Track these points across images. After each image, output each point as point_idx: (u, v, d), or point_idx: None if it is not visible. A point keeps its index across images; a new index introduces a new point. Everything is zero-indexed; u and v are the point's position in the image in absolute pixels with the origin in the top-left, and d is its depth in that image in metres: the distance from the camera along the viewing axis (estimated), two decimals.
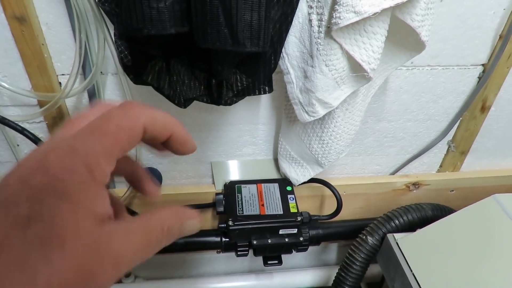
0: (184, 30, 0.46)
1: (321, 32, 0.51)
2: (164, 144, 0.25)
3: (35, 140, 0.60)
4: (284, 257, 0.79)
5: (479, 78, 0.76)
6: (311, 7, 0.52)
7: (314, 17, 0.52)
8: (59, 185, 0.19)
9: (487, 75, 0.74)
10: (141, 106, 0.23)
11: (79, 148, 0.20)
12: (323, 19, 0.50)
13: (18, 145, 0.73)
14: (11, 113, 0.68)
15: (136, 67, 0.57)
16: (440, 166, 0.92)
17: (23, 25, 0.58)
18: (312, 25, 0.52)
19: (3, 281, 0.17)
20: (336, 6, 0.46)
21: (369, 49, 0.50)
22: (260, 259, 0.79)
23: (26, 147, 0.74)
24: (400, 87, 0.75)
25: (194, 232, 0.25)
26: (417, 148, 0.88)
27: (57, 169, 0.19)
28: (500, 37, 0.71)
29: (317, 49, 0.52)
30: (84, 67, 0.62)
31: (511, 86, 0.78)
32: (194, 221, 0.25)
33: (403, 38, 0.57)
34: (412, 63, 0.72)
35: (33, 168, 0.20)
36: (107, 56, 0.62)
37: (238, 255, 0.77)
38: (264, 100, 0.74)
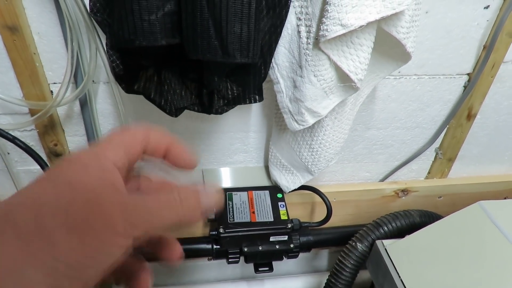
0: (175, 42, 0.46)
1: (309, 43, 0.53)
2: (165, 158, 0.28)
3: (27, 149, 0.60)
4: (275, 263, 0.80)
5: (465, 87, 0.78)
6: (299, 19, 0.53)
7: (302, 28, 0.53)
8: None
9: (472, 84, 0.76)
10: (141, 126, 0.28)
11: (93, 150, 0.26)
12: (311, 31, 0.52)
13: (8, 153, 0.73)
14: (1, 121, 0.68)
15: (128, 76, 0.57)
16: (428, 172, 0.94)
17: (15, 34, 0.58)
18: (301, 36, 0.53)
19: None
20: (323, 19, 0.47)
21: (356, 60, 0.51)
22: (251, 266, 0.80)
23: (16, 155, 0.74)
24: (388, 95, 0.77)
25: (216, 207, 0.27)
26: (405, 155, 0.89)
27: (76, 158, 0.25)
28: (484, 48, 0.73)
29: (305, 59, 0.54)
30: (76, 76, 0.63)
31: (495, 95, 0.81)
32: (213, 192, 0.27)
33: (390, 49, 0.59)
34: (399, 72, 0.74)
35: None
36: (99, 65, 0.62)
37: (229, 262, 0.77)
38: (255, 108, 0.75)
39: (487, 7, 0.68)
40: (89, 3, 0.53)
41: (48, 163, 0.71)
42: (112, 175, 0.24)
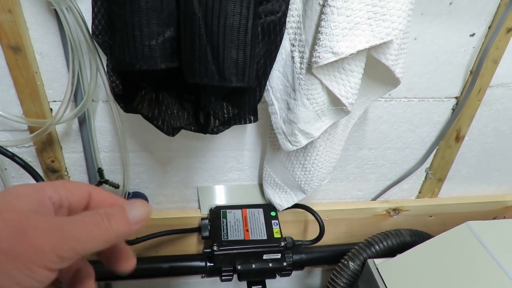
0: (173, 66, 0.48)
1: (302, 68, 0.55)
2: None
3: (25, 166, 0.61)
4: (268, 281, 0.80)
5: (453, 109, 0.81)
6: (293, 45, 0.56)
7: (296, 54, 0.55)
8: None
9: (460, 107, 0.79)
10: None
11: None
12: (305, 57, 0.54)
13: (5, 169, 0.74)
14: (0, 138, 0.69)
15: (127, 96, 0.59)
16: (419, 192, 0.96)
17: (17, 54, 0.60)
18: (295, 61, 0.56)
19: None
20: (316, 46, 0.50)
21: (347, 85, 0.54)
22: (244, 284, 0.80)
23: (13, 171, 0.74)
24: (379, 117, 0.79)
25: (145, 215, 0.28)
26: (396, 175, 0.91)
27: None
28: (470, 73, 0.76)
29: (299, 83, 0.56)
30: (76, 94, 0.64)
31: (482, 118, 0.83)
32: (137, 203, 0.27)
33: (380, 74, 0.61)
34: (390, 95, 0.76)
35: None
36: (98, 84, 0.64)
37: (222, 280, 0.77)
38: (250, 128, 0.76)
39: (472, 35, 0.71)
40: (91, 26, 0.55)
41: (44, 179, 0.72)
42: (44, 207, 0.25)
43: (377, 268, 0.72)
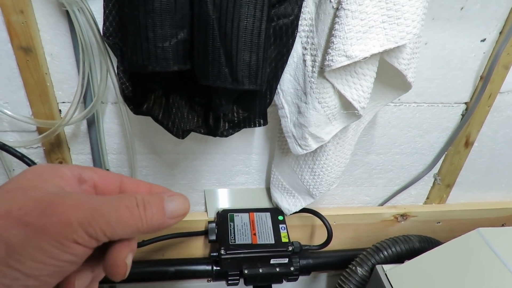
0: (186, 68, 0.48)
1: (314, 71, 0.55)
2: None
3: None
4: (274, 286, 0.79)
5: (462, 115, 0.80)
6: (305, 49, 0.55)
7: (308, 57, 0.55)
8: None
9: (470, 112, 0.79)
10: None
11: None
12: (317, 60, 0.54)
13: (13, 170, 0.74)
14: (9, 138, 0.69)
15: (137, 98, 0.59)
16: (427, 198, 0.95)
17: (28, 55, 0.60)
18: (306, 65, 0.56)
19: None
20: (329, 49, 0.49)
21: (359, 89, 0.53)
22: None
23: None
24: (388, 122, 0.79)
25: (184, 211, 0.26)
26: (404, 180, 0.90)
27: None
28: (481, 78, 0.75)
29: (310, 87, 0.55)
30: (85, 96, 0.64)
31: (492, 124, 0.83)
32: (177, 197, 0.26)
33: (391, 78, 0.61)
34: (399, 99, 0.76)
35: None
36: (108, 86, 0.64)
37: (228, 284, 0.77)
38: (258, 131, 0.76)
39: (483, 40, 0.71)
40: (102, 27, 0.55)
41: None
42: (67, 181, 0.25)
43: (386, 274, 0.71)
